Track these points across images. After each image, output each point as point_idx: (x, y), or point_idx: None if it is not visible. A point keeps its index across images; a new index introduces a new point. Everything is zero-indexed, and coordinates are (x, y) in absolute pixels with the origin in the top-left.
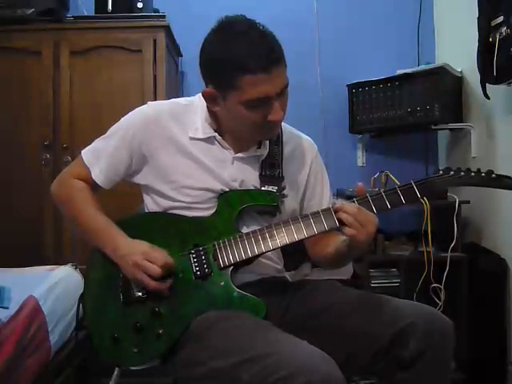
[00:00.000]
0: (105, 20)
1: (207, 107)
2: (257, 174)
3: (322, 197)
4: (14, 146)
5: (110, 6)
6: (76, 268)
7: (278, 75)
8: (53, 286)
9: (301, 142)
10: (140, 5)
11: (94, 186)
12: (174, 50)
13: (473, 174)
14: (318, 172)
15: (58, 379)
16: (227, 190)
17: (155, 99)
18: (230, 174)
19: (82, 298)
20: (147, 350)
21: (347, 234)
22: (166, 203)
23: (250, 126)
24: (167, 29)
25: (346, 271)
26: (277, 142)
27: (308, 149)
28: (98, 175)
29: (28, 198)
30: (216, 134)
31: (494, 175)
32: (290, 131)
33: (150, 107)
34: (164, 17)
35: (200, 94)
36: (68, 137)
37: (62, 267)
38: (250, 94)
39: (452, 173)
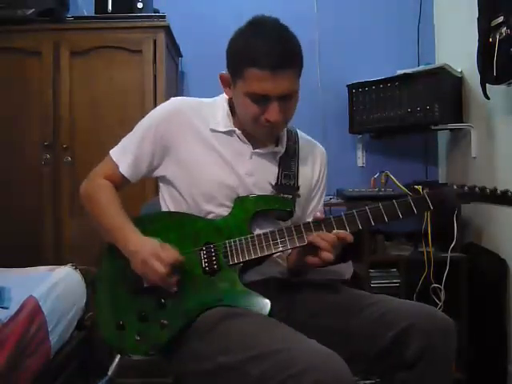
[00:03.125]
0: (105, 20)
1: (228, 104)
2: (273, 170)
3: (320, 202)
4: (14, 146)
5: (109, 6)
6: (76, 268)
7: (284, 78)
8: (53, 286)
9: (315, 149)
10: (140, 5)
11: (121, 181)
12: (173, 50)
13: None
14: (324, 179)
15: (58, 379)
16: (242, 184)
17: (155, 99)
18: (246, 168)
19: (92, 284)
20: (149, 338)
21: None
22: (185, 194)
23: (249, 118)
24: (167, 29)
25: (346, 271)
26: (294, 142)
27: (321, 156)
28: (125, 169)
29: (28, 198)
30: (236, 129)
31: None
32: (305, 137)
33: (173, 101)
34: (164, 17)
35: (223, 93)
36: (68, 137)
37: (62, 267)
38: (252, 87)
39: (466, 188)
